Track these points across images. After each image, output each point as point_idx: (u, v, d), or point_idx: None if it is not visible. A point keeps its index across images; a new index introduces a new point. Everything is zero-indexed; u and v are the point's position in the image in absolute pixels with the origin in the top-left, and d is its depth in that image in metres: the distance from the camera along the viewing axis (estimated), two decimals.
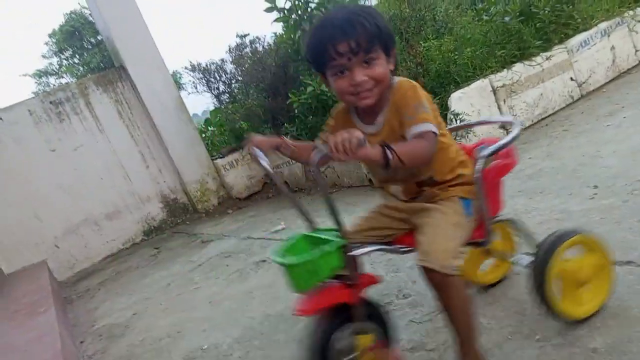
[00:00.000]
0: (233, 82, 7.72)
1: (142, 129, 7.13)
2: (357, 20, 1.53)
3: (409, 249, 1.79)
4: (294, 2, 5.59)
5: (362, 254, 1.72)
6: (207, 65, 7.69)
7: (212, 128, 8.46)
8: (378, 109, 1.68)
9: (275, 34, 7.18)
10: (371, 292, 2.60)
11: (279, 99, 6.44)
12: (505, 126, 4.74)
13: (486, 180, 1.76)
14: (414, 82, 1.65)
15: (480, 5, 6.12)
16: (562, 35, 5.43)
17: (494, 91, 5.00)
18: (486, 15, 5.62)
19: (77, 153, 6.74)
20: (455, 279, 1.55)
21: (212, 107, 8.56)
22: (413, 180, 1.78)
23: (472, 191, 1.76)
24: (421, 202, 1.79)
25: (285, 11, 5.68)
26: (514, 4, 5.48)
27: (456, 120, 4.79)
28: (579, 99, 5.34)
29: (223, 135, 8.23)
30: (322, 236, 1.76)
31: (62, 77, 21.85)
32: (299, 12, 5.61)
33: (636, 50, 5.92)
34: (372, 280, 1.76)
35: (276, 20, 5.78)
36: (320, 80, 5.35)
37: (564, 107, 5.25)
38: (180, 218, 7.26)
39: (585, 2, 5.89)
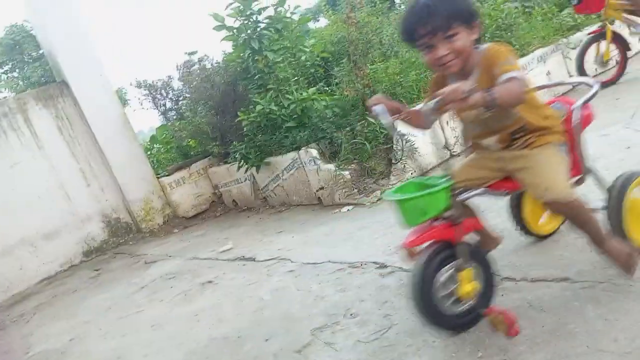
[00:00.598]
0: (180, 99, 7.60)
1: (83, 146, 6.88)
2: (433, 6, 1.82)
3: (508, 191, 2.16)
4: (243, 21, 5.60)
5: (468, 198, 2.06)
6: (153, 82, 7.54)
7: (158, 145, 8.28)
8: (468, 71, 1.96)
9: (224, 52, 7.16)
10: (318, 312, 2.59)
11: (227, 117, 6.40)
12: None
13: (576, 129, 2.10)
14: (500, 45, 1.94)
15: None
16: None
17: None
18: None
19: (14, 170, 6.41)
20: (577, 201, 1.91)
21: (158, 124, 8.39)
22: (507, 130, 2.05)
23: (561, 138, 2.07)
24: (515, 151, 2.06)
25: (235, 30, 5.68)
26: None
27: (402, 141, 4.91)
28: None
29: (169, 152, 8.07)
30: (429, 182, 2.03)
31: (0, 92, 20.84)
32: (248, 31, 5.62)
33: (570, 76, 6.28)
34: (478, 225, 2.14)
35: (225, 38, 5.76)
36: (270, 99, 5.41)
37: None
38: (123, 238, 7.01)
39: (523, 29, 6.22)
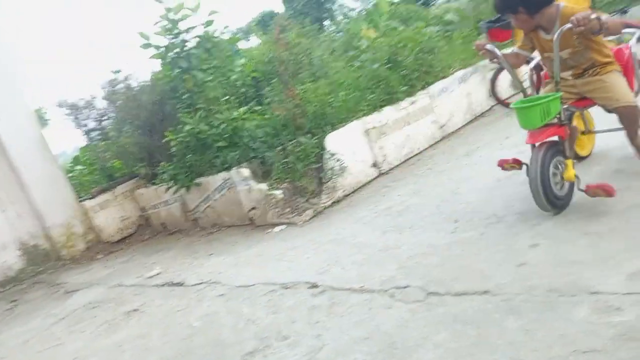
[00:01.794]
0: (104, 118, 7.30)
1: None
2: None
3: (585, 107, 3.09)
4: (171, 40, 5.50)
5: (565, 107, 2.92)
6: (75, 101, 7.21)
7: (80, 167, 7.89)
8: (551, 25, 2.85)
9: (152, 71, 6.98)
10: (249, 336, 2.54)
11: (155, 137, 6.21)
12: None
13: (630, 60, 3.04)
14: (571, 4, 2.79)
15: (351, 53, 6.51)
16: (425, 82, 5.95)
17: (366, 132, 5.29)
18: (357, 62, 5.99)
19: None
20: (637, 107, 2.82)
21: (83, 145, 8.01)
22: (582, 66, 2.95)
23: (619, 67, 2.94)
24: (587, 78, 2.96)
25: (162, 48, 5.57)
26: (381, 52, 5.91)
27: (332, 160, 4.98)
28: (441, 140, 5.84)
29: (93, 174, 7.70)
30: (536, 98, 2.88)
31: None
32: (177, 50, 5.53)
33: (490, 96, 6.64)
34: (573, 130, 3.00)
35: (152, 57, 5.63)
36: (199, 119, 5.32)
37: (427, 148, 5.70)
38: (42, 266, 6.56)
39: (444, 52, 6.54)
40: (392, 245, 3.33)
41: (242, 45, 14.48)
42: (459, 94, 6.20)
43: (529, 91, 3.32)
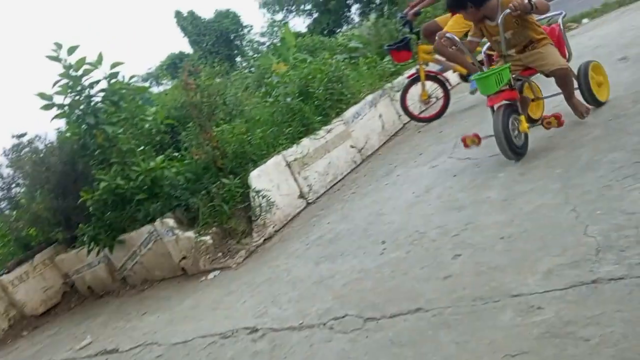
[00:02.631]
0: (13, 186, 6.88)
1: None
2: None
3: (530, 75, 3.91)
4: (74, 97, 5.31)
5: (514, 77, 3.69)
6: None
7: None
8: (494, 14, 3.62)
9: (58, 130, 6.69)
10: None
11: (70, 199, 5.92)
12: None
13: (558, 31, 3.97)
14: None
15: (264, 89, 6.59)
16: (338, 109, 6.11)
17: (289, 165, 5.34)
18: (270, 98, 6.07)
19: None
20: (568, 68, 3.69)
21: None
22: (522, 43, 3.75)
23: (551, 40, 3.75)
24: (529, 52, 3.75)
25: (66, 107, 5.37)
26: (293, 85, 6.03)
27: (259, 197, 4.97)
28: (361, 163, 6.00)
29: (7, 246, 7.19)
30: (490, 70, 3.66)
31: None
32: (81, 106, 5.34)
33: (399, 116, 6.93)
34: (525, 99, 3.87)
35: (55, 117, 5.41)
36: (114, 174, 5.15)
37: (350, 172, 5.83)
38: None
39: (352, 79, 6.76)
40: (326, 275, 3.36)
41: (154, 90, 14.24)
42: (371, 117, 6.41)
43: (484, 68, 3.98)
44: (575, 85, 3.84)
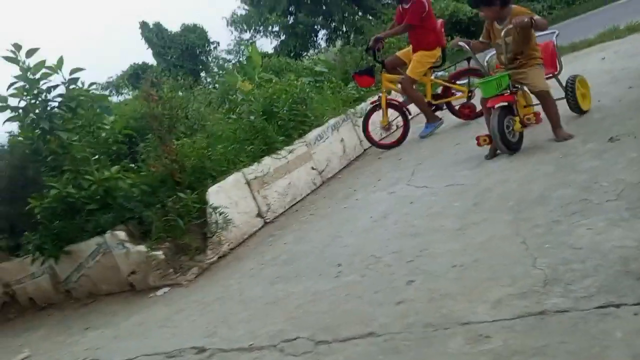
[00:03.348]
0: None
1: None
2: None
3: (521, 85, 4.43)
4: (30, 100, 5.13)
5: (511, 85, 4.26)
6: None
7: None
8: (504, 19, 4.29)
9: (10, 133, 6.42)
10: None
11: (17, 205, 5.66)
12: None
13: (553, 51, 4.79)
14: (518, 6, 4.37)
15: (227, 105, 6.57)
16: (301, 131, 6.15)
17: (248, 183, 5.30)
18: (234, 115, 6.05)
19: None
20: (549, 93, 4.22)
21: None
22: (516, 52, 4.31)
23: (540, 60, 4.38)
24: (518, 67, 4.30)
25: (20, 110, 5.17)
26: (257, 104, 6.03)
27: (216, 214, 4.90)
28: (321, 185, 6.03)
29: None
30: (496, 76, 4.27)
31: None
32: (37, 110, 5.17)
33: (361, 141, 7.03)
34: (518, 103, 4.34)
35: (9, 119, 5.21)
36: (66, 181, 4.98)
37: (309, 193, 5.85)
38: None
39: (317, 102, 6.84)
40: (279, 296, 3.32)
41: (113, 99, 13.95)
42: (333, 140, 6.48)
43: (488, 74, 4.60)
44: (562, 95, 4.59)
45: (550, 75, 4.73)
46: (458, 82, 6.40)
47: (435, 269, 2.80)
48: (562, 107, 4.50)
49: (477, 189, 3.75)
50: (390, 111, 6.48)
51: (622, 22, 8.57)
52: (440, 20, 6.61)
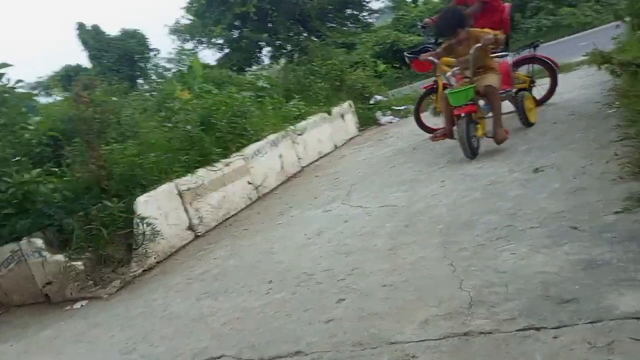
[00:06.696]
0: None
1: None
2: (444, 22, 5.18)
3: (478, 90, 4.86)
4: None
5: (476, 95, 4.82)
6: None
7: None
8: (464, 43, 4.94)
9: None
10: None
11: None
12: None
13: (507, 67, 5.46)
14: (475, 29, 5.06)
15: (164, 113, 6.37)
16: (239, 144, 6.06)
17: (180, 194, 5.13)
18: (170, 123, 5.87)
19: None
20: (499, 93, 4.93)
21: None
22: (477, 67, 4.83)
23: (498, 72, 5.01)
24: (480, 76, 4.84)
25: None
26: (195, 114, 5.89)
27: (143, 224, 4.69)
28: (256, 200, 5.95)
29: None
30: (463, 87, 4.79)
31: None
32: None
33: (299, 158, 7.03)
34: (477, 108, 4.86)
35: None
36: None
37: (244, 208, 5.75)
38: None
39: (257, 117, 6.77)
40: (206, 312, 3.21)
41: (41, 100, 13.22)
42: (272, 156, 6.44)
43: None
44: (513, 109, 5.34)
45: (503, 92, 5.15)
46: (518, 70, 5.99)
47: (365, 288, 2.80)
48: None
49: (409, 211, 3.82)
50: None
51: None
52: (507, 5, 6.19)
